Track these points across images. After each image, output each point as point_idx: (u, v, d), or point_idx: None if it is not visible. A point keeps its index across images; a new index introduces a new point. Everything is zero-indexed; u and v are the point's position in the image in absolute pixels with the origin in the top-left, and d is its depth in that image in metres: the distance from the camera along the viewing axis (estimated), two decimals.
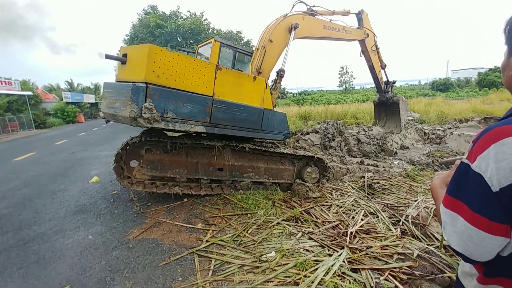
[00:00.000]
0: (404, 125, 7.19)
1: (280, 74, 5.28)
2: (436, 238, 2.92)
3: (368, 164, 6.33)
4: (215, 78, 3.60)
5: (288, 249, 2.75)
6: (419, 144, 9.19)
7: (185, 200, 4.17)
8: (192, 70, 3.39)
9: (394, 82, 6.89)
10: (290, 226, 3.31)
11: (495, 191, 0.62)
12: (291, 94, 44.01)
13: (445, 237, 0.74)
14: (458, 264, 2.40)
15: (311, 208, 3.80)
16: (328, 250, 2.76)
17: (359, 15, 6.84)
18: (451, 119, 11.93)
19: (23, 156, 8.88)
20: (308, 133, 8.97)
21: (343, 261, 2.52)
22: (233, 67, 5.14)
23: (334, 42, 6.84)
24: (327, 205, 3.92)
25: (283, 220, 3.45)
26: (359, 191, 4.40)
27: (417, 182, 4.77)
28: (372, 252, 2.67)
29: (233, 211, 3.79)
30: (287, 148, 6.02)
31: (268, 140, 5.25)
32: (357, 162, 6.54)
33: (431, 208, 3.52)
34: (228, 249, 2.86)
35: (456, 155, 6.92)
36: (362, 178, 4.84)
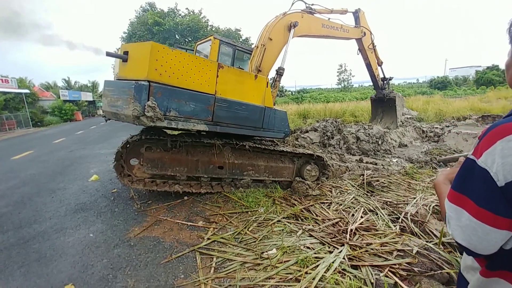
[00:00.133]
0: (401, 120, 7.27)
1: (280, 72, 5.29)
2: (435, 235, 2.95)
3: (367, 162, 6.36)
4: (217, 76, 3.59)
5: (289, 246, 2.78)
6: (417, 142, 9.24)
7: (186, 198, 4.18)
8: (194, 68, 3.38)
9: (390, 78, 7.00)
10: (291, 223, 3.34)
11: (501, 186, 0.64)
12: (290, 92, 43.99)
13: (449, 231, 0.76)
14: (457, 260, 2.45)
15: (311, 205, 3.83)
16: (329, 247, 2.79)
17: (356, 14, 6.88)
18: (449, 117, 11.99)
19: (21, 154, 8.83)
20: (307, 131, 9.00)
21: (344, 258, 2.55)
22: (233, 65, 5.13)
23: (332, 40, 6.88)
24: (327, 202, 3.95)
25: (283, 217, 3.48)
26: (358, 189, 4.43)
27: (416, 180, 4.81)
28: (372, 249, 2.70)
29: (234, 209, 3.81)
30: (287, 146, 6.04)
31: (268, 138, 5.26)
32: (356, 160, 6.57)
33: (430, 206, 3.56)
34: (229, 247, 2.88)
35: (454, 153, 6.97)
36: (362, 176, 4.87)
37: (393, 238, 2.87)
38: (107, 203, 4.26)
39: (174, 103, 3.26)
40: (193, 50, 5.78)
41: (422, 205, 3.58)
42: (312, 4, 6.02)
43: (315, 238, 2.97)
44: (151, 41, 3.19)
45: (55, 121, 23.87)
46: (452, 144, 7.94)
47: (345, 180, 4.93)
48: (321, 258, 2.58)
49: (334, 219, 3.41)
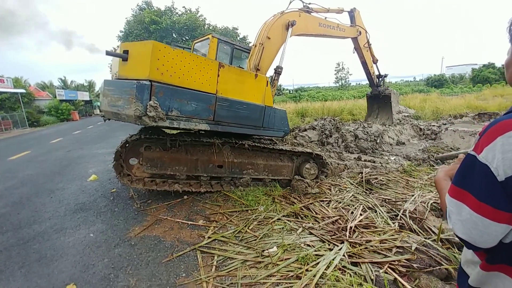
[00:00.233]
0: (397, 118, 7.38)
1: (278, 71, 5.30)
2: (433, 232, 2.99)
3: (365, 160, 6.41)
4: (218, 75, 3.59)
5: (289, 244, 2.80)
6: (414, 140, 9.31)
7: (185, 197, 4.18)
8: (195, 67, 3.37)
9: (385, 75, 7.12)
10: (291, 221, 3.36)
11: (501, 181, 0.66)
12: (288, 91, 44.02)
13: (450, 225, 0.77)
14: (455, 256, 2.48)
15: (311, 203, 3.85)
16: (329, 245, 2.82)
17: (352, 13, 6.93)
18: (446, 115, 12.08)
19: (18, 154, 8.76)
20: (305, 130, 9.03)
21: (344, 255, 2.58)
22: (231, 63, 5.13)
23: (329, 39, 6.90)
24: (326, 200, 3.98)
25: (283, 216, 3.50)
26: (357, 187, 4.47)
27: (414, 177, 4.86)
28: (371, 246, 2.73)
29: (234, 207, 3.82)
30: (285, 144, 6.07)
31: (267, 137, 5.28)
32: (354, 158, 6.61)
33: (428, 203, 3.59)
34: (230, 245, 2.89)
35: (451, 151, 7.03)
36: (360, 174, 4.91)
37: (392, 235, 2.90)
38: (107, 203, 4.26)
39: (176, 103, 3.25)
40: (190, 49, 5.77)
41: (420, 202, 3.61)
42: (309, 3, 6.04)
43: (315, 235, 3.00)
44: (152, 40, 3.17)
45: (52, 121, 23.70)
46: (449, 141, 8.01)
47: (344, 178, 4.96)
48: (322, 255, 2.61)
49: (333, 217, 3.44)
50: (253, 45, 5.32)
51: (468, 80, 41.60)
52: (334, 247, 2.76)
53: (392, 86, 41.91)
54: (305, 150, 4.77)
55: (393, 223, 3.22)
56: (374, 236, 2.94)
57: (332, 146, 7.99)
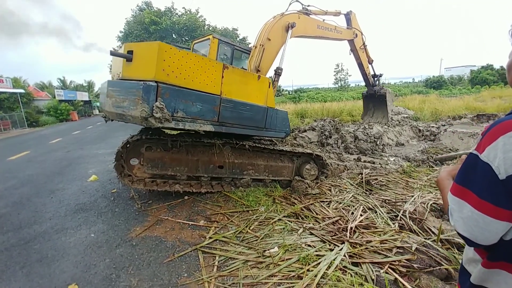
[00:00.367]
0: (391, 115, 7.50)
1: (278, 72, 5.32)
2: (433, 232, 3.01)
3: (365, 161, 6.43)
4: (222, 77, 3.60)
5: (290, 245, 2.81)
6: (414, 141, 9.35)
7: (186, 197, 4.19)
8: (200, 68, 3.38)
9: (380, 75, 7.26)
10: (291, 222, 3.37)
11: (502, 179, 0.68)
12: (287, 92, 44.10)
13: (452, 223, 0.79)
14: (455, 257, 2.50)
15: (311, 204, 3.87)
16: (329, 245, 2.83)
17: (348, 16, 7.02)
18: (445, 116, 12.13)
19: (18, 155, 8.75)
20: (305, 131, 9.06)
21: (344, 255, 2.59)
22: (231, 64, 5.15)
23: (327, 41, 6.97)
24: (326, 201, 3.99)
25: (284, 216, 3.51)
26: (357, 187, 4.49)
27: (414, 178, 4.88)
28: (371, 246, 2.74)
29: (234, 208, 3.83)
30: (285, 145, 6.09)
31: (267, 138, 5.30)
32: (354, 159, 6.64)
33: (428, 203, 3.62)
34: (231, 245, 2.90)
35: (450, 152, 7.07)
36: (360, 175, 4.93)
37: (392, 236, 2.92)
38: (107, 203, 4.26)
39: (181, 104, 3.24)
40: (190, 49, 5.78)
41: (420, 203, 3.64)
42: (308, 6, 6.09)
43: (316, 236, 3.01)
44: (158, 41, 3.17)
45: (51, 121, 23.66)
46: (448, 143, 8.05)
47: (343, 179, 4.98)
48: (322, 255, 2.62)
49: (334, 217, 3.46)
50: (253, 46, 5.35)
51: (467, 81, 41.80)
52: (334, 247, 2.77)
53: (391, 87, 42.09)
54: (305, 151, 4.79)
55: (393, 223, 3.24)
56: (374, 236, 2.96)
57: (332, 147, 8.02)
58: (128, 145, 3.86)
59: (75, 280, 2.47)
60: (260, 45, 5.07)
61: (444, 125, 9.98)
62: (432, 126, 10.12)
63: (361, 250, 2.68)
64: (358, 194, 4.19)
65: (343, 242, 2.83)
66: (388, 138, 8.68)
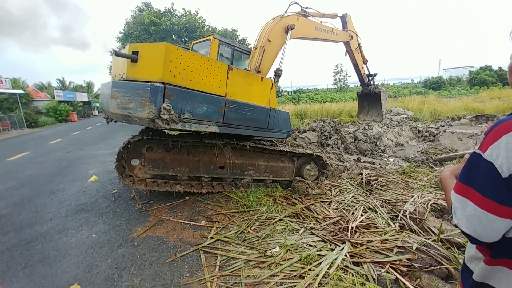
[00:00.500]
0: (385, 113, 7.65)
1: (278, 74, 5.35)
2: (433, 232, 3.03)
3: (364, 162, 6.46)
4: (227, 78, 3.61)
5: (291, 244, 2.83)
6: (413, 141, 9.39)
7: (187, 198, 4.20)
8: (206, 70, 3.38)
9: (375, 74, 7.44)
10: (292, 222, 3.39)
11: (505, 177, 0.69)
12: (287, 93, 44.14)
13: (455, 220, 0.81)
14: (455, 256, 2.52)
15: (312, 204, 3.88)
16: (330, 245, 2.85)
17: (344, 18, 7.15)
18: (444, 117, 12.18)
19: (17, 155, 8.73)
20: (305, 131, 9.09)
21: (345, 255, 2.61)
22: (231, 65, 5.17)
23: (324, 42, 7.03)
24: (327, 201, 4.01)
25: (285, 216, 3.52)
26: (357, 188, 4.51)
27: (413, 179, 4.91)
28: (372, 246, 2.76)
29: (235, 208, 3.84)
30: (286, 146, 6.11)
31: (267, 138, 5.32)
32: (354, 159, 6.66)
33: (428, 204, 3.64)
34: (233, 245, 2.91)
35: (449, 152, 7.10)
36: (360, 175, 4.95)
37: (393, 235, 2.94)
38: (108, 203, 4.26)
39: (188, 105, 3.23)
40: (189, 50, 5.80)
41: (420, 203, 3.66)
42: (307, 8, 6.15)
43: (317, 236, 3.03)
44: (165, 42, 3.17)
45: (50, 121, 23.60)
46: (447, 143, 8.09)
47: (344, 179, 5.00)
48: (324, 255, 2.64)
49: (334, 217, 3.47)
50: (253, 47, 5.37)
51: (466, 82, 41.94)
52: (336, 247, 2.79)
53: (390, 88, 42.20)
54: (306, 151, 4.81)
55: (394, 223, 3.26)
56: (375, 236, 2.97)
57: (332, 147, 8.05)
58: (129, 146, 3.87)
59: (77, 280, 2.48)
60: (261, 46, 5.09)
61: (443, 126, 10.02)
62: (431, 127, 10.16)
63: (362, 250, 2.70)
64: (359, 194, 4.21)
65: (344, 242, 2.85)
66: (387, 138, 8.72)
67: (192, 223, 3.47)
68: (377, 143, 7.95)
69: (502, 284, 0.78)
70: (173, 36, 22.11)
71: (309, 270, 2.42)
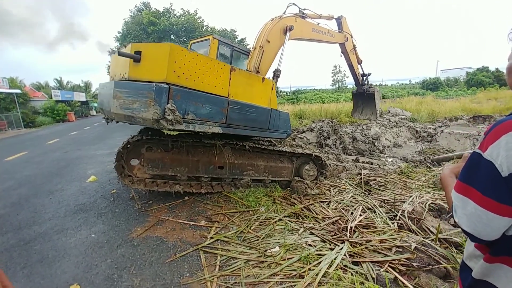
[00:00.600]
0: (379, 112, 7.81)
1: (277, 74, 5.37)
2: (431, 232, 3.05)
3: (363, 162, 6.49)
4: (230, 79, 3.62)
5: (291, 244, 2.84)
6: (411, 142, 9.45)
7: (186, 198, 4.20)
8: (209, 70, 3.38)
9: (369, 74, 7.59)
10: (292, 222, 3.40)
11: (505, 176, 0.70)
12: (285, 93, 44.20)
13: (456, 219, 0.82)
14: (453, 255, 2.54)
15: (311, 204, 3.90)
16: (330, 245, 2.86)
17: (339, 20, 7.26)
18: (442, 118, 12.27)
19: (15, 155, 8.68)
20: (304, 132, 9.11)
21: (345, 255, 2.63)
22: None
23: (321, 44, 7.12)
24: (326, 201, 4.03)
25: (284, 216, 3.54)
26: (356, 188, 4.53)
27: (411, 179, 4.94)
28: (371, 245, 2.78)
29: (235, 208, 3.85)
30: (285, 146, 6.12)
31: (266, 139, 5.33)
32: (352, 160, 6.69)
33: (426, 203, 3.67)
34: (232, 245, 2.92)
35: (446, 153, 7.15)
36: (359, 175, 4.97)
37: (392, 235, 2.96)
38: (107, 203, 4.25)
39: (192, 106, 3.22)
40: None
41: (418, 203, 3.68)
42: (304, 9, 6.20)
43: (316, 236, 3.04)
44: (169, 43, 3.16)
45: (47, 121, 23.47)
46: (445, 144, 8.14)
47: (342, 179, 5.02)
48: (323, 255, 2.65)
49: (333, 217, 3.49)
50: (252, 47, 5.38)
51: (463, 83, 42.26)
52: (335, 246, 2.80)
53: (388, 89, 42.35)
54: (305, 151, 4.83)
55: (392, 223, 3.28)
56: (374, 236, 2.99)
57: (330, 148, 8.08)
58: (128, 146, 3.86)
59: (77, 280, 2.48)
60: (260, 46, 5.10)
61: (441, 127, 10.10)
62: (429, 128, 10.23)
63: (361, 249, 2.72)
64: (357, 194, 4.23)
65: (343, 242, 2.87)
66: (385, 139, 8.76)
67: (191, 223, 3.47)
68: (376, 144, 7.99)
69: (501, 281, 0.80)
70: (172, 36, 22.06)
71: (309, 269, 2.43)
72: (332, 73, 50.16)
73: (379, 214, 3.52)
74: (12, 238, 3.30)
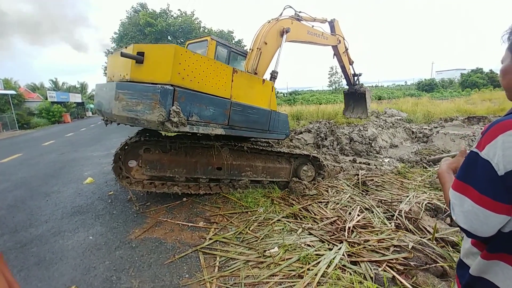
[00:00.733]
0: (370, 111, 8.00)
1: (274, 76, 5.41)
2: (428, 231, 3.09)
3: (360, 162, 6.53)
4: (232, 80, 3.63)
5: (290, 245, 2.85)
6: (407, 142, 9.53)
7: (184, 199, 4.20)
8: (213, 72, 3.38)
9: (360, 74, 7.79)
10: (290, 222, 3.41)
11: (501, 175, 0.73)
12: (282, 94, 44.32)
13: (453, 217, 0.84)
14: (449, 254, 2.58)
15: (309, 205, 3.92)
16: (328, 245, 2.88)
17: (332, 23, 7.39)
18: (437, 119, 12.39)
19: (10, 157, 8.58)
20: (301, 133, 9.15)
21: (343, 255, 2.65)
22: None
23: (314, 46, 7.23)
24: (324, 202, 4.05)
25: (282, 217, 3.55)
26: (353, 188, 4.56)
27: (408, 179, 4.99)
28: (369, 245, 2.80)
29: (233, 209, 3.85)
30: (282, 147, 6.14)
31: (263, 140, 5.35)
32: (349, 160, 6.73)
33: (422, 203, 3.71)
34: (231, 246, 2.92)
35: (442, 153, 7.23)
36: (356, 176, 5.01)
37: (389, 235, 2.99)
38: (105, 205, 4.23)
39: (196, 108, 3.22)
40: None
41: (415, 203, 3.73)
42: (300, 12, 6.26)
43: (315, 236, 3.06)
44: (174, 44, 3.15)
45: (43, 123, 23.27)
46: (440, 144, 8.23)
47: (340, 180, 5.06)
48: (322, 255, 2.67)
49: (332, 217, 3.51)
50: (250, 49, 5.41)
51: (457, 84, 42.76)
52: (333, 246, 2.82)
53: (384, 90, 42.65)
54: (303, 152, 4.85)
55: (390, 223, 3.31)
56: (371, 235, 3.02)
57: (328, 148, 8.12)
58: (126, 147, 3.85)
59: (75, 282, 2.46)
60: (257, 48, 5.13)
61: (436, 127, 10.20)
62: (425, 128, 10.33)
63: (359, 249, 2.74)
64: (355, 194, 4.26)
65: (341, 242, 2.89)
66: (382, 140, 8.83)
67: (190, 224, 3.47)
68: (372, 144, 8.05)
69: (498, 278, 0.82)
70: (169, 37, 22.04)
71: (308, 269, 2.44)
72: (329, 74, 50.48)
73: (376, 214, 3.56)
74: (8, 241, 3.26)
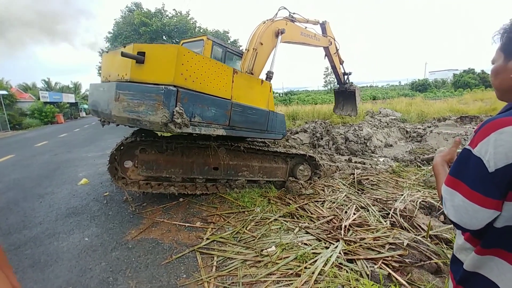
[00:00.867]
0: (359, 109, 8.24)
1: (270, 76, 5.43)
2: (423, 229, 3.14)
3: (355, 162, 6.60)
4: (233, 81, 3.64)
5: (287, 243, 2.87)
6: (402, 142, 9.66)
7: (181, 199, 4.18)
8: (214, 73, 3.38)
9: (350, 73, 7.97)
10: (287, 222, 3.43)
11: (491, 172, 0.75)
12: (278, 94, 44.41)
13: (445, 211, 0.87)
14: (443, 251, 2.62)
15: (306, 204, 3.94)
16: (325, 243, 2.91)
17: (323, 25, 7.51)
18: (430, 118, 12.58)
19: (1, 159, 8.43)
20: (297, 132, 9.19)
21: (340, 253, 2.67)
22: None
23: (307, 47, 7.31)
24: (320, 201, 4.08)
25: (279, 216, 3.57)
26: (349, 187, 4.60)
27: (403, 178, 5.06)
28: (365, 243, 2.84)
29: (230, 209, 3.86)
30: (278, 147, 6.17)
31: (260, 139, 5.36)
32: (345, 160, 6.79)
33: (417, 202, 3.76)
34: (229, 246, 2.93)
35: (435, 152, 7.34)
36: (352, 175, 5.05)
37: (385, 233, 3.03)
38: (100, 206, 4.19)
39: (198, 109, 3.21)
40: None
41: (410, 201, 3.78)
42: (294, 13, 6.33)
43: (312, 235, 3.08)
44: (176, 45, 3.14)
45: (35, 123, 22.88)
46: (434, 143, 8.35)
47: (336, 179, 5.10)
48: (319, 253, 2.69)
49: (328, 216, 3.54)
50: (245, 49, 5.42)
51: (450, 84, 43.43)
52: (330, 245, 2.85)
53: (379, 90, 43.09)
54: (299, 152, 4.88)
55: (385, 221, 3.35)
56: (367, 234, 3.06)
57: (323, 148, 8.18)
58: (122, 147, 3.82)
59: (71, 284, 2.43)
60: (253, 48, 5.14)
61: (430, 127, 10.35)
62: (419, 128, 10.48)
63: (355, 247, 2.77)
64: (351, 193, 4.30)
65: (338, 240, 2.91)
66: (377, 139, 8.93)
67: (187, 224, 3.46)
68: (367, 144, 8.14)
69: (493, 273, 0.84)
70: (164, 37, 21.90)
71: (305, 268, 2.46)
72: (324, 74, 50.81)
73: (372, 212, 3.60)
74: (2, 243, 3.19)
